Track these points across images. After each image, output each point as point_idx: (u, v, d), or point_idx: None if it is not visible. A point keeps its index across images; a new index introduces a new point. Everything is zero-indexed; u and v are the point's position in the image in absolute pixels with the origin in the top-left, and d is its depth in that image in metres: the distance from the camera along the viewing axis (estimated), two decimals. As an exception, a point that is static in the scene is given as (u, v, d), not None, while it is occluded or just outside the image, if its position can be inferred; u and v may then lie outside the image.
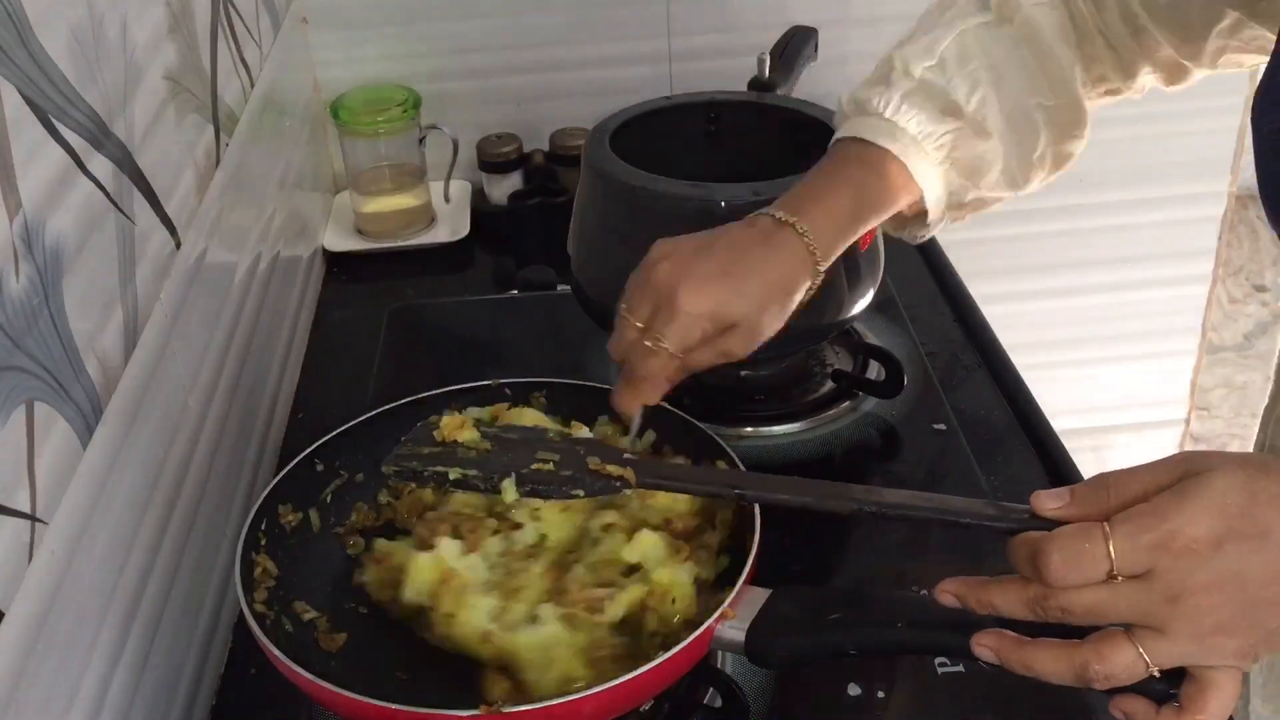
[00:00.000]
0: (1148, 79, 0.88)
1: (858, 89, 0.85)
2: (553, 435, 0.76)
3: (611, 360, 0.79)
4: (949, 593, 0.59)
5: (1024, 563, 0.56)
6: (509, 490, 0.70)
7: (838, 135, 0.85)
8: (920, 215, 0.87)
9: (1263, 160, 0.79)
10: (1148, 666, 0.54)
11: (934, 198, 0.84)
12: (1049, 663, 0.56)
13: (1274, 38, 0.76)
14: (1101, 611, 0.54)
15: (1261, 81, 0.77)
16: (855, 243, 0.96)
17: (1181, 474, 0.54)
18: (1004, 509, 0.61)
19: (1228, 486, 0.52)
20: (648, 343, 0.75)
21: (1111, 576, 0.53)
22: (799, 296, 0.79)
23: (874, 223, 0.83)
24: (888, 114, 0.82)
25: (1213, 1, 0.80)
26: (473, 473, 0.71)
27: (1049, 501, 0.57)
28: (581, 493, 0.70)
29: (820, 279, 0.80)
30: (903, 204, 0.84)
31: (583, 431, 0.84)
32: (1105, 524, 0.54)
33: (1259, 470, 0.53)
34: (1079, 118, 0.86)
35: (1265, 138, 0.77)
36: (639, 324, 0.76)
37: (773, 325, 0.77)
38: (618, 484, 0.70)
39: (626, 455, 0.73)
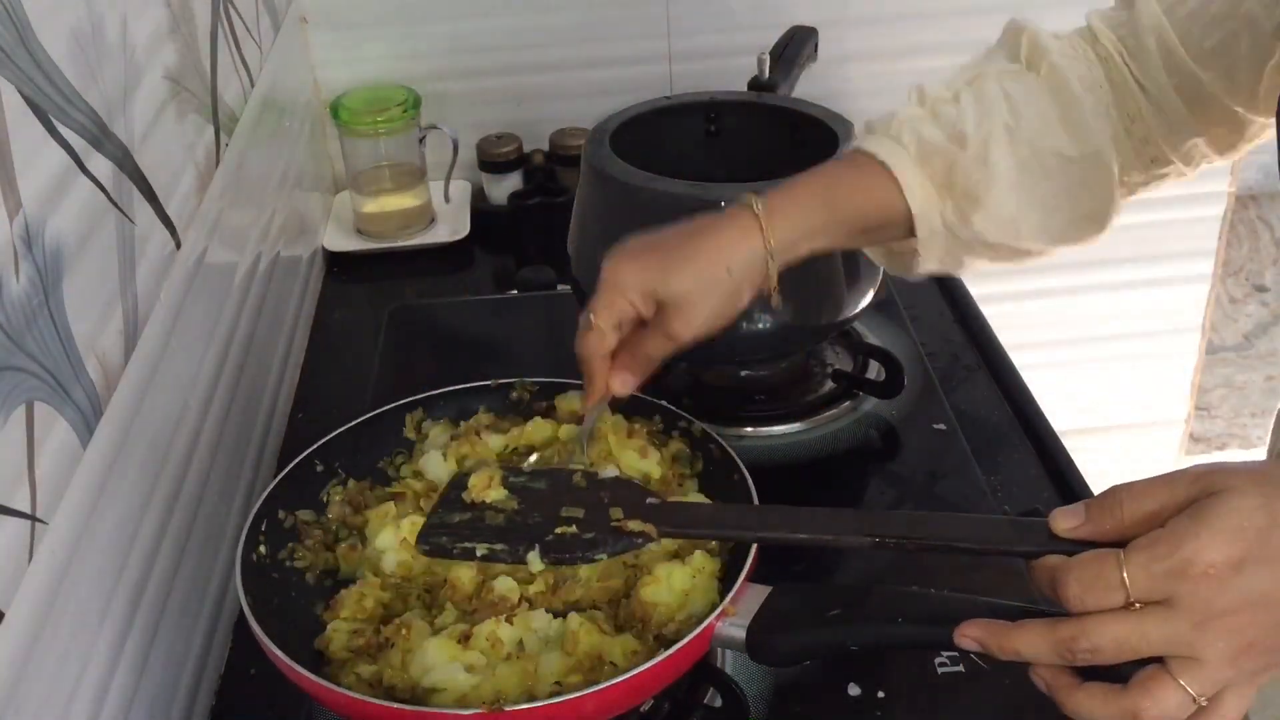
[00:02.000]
0: (1198, 147, 0.81)
1: (872, 117, 0.84)
2: (579, 479, 0.76)
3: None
4: (969, 636, 0.58)
5: (1045, 587, 0.56)
6: (534, 563, 0.72)
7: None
8: (913, 239, 0.81)
9: None
10: (1195, 700, 0.53)
11: (920, 210, 0.79)
12: (1097, 707, 0.55)
13: None
14: (1132, 645, 0.53)
15: None
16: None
17: (1198, 492, 0.53)
18: (1024, 529, 0.61)
19: (1245, 508, 0.51)
20: (582, 319, 0.74)
21: (1131, 604, 0.53)
22: (745, 275, 0.74)
23: (847, 222, 0.78)
24: (891, 132, 0.80)
25: (1261, 38, 0.75)
26: (499, 547, 0.72)
27: (1064, 521, 0.57)
28: (604, 556, 0.71)
29: (777, 268, 0.75)
30: (889, 217, 0.79)
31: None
32: (1120, 551, 0.53)
33: (1277, 489, 0.52)
34: (1104, 179, 0.81)
35: None
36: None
37: (710, 302, 0.73)
38: (639, 540, 0.71)
39: (650, 500, 0.73)
